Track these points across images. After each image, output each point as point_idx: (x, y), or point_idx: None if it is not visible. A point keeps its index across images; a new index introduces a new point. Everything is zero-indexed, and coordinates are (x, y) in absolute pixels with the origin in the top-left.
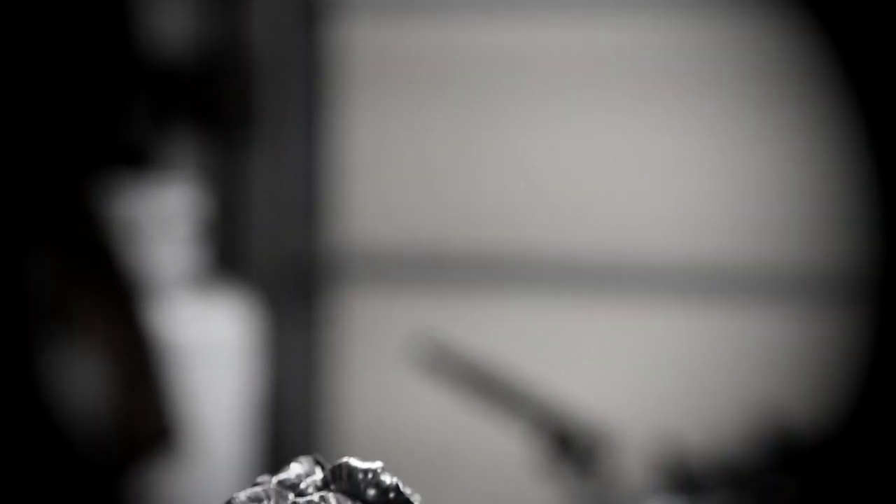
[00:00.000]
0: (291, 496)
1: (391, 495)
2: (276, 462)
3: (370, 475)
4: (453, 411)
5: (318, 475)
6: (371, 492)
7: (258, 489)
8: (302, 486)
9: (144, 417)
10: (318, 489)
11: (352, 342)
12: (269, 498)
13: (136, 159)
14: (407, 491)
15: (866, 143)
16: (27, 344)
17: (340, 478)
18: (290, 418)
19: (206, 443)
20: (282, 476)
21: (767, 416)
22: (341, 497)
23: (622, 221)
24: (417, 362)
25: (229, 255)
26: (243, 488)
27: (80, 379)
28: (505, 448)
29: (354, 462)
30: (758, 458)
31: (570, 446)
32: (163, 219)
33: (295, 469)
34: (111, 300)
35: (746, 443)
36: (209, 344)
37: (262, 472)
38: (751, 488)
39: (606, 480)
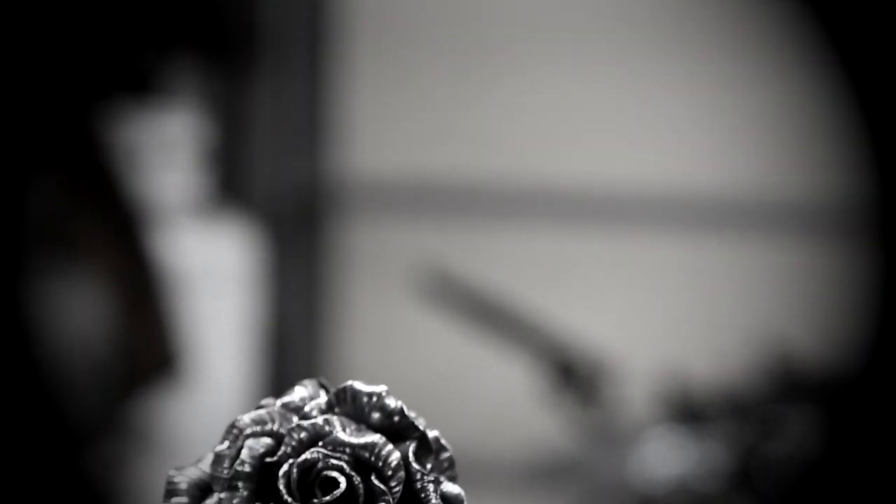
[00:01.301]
0: (295, 419)
1: (396, 419)
2: (279, 388)
3: (375, 398)
4: (457, 340)
5: (323, 398)
6: (375, 415)
7: (262, 412)
8: (306, 408)
9: (147, 343)
10: (323, 412)
11: (355, 271)
12: (273, 420)
13: (141, 86)
14: (412, 414)
15: (861, 81)
16: (26, 267)
17: (345, 401)
18: (293, 346)
19: (209, 368)
20: (286, 399)
21: (771, 346)
22: (345, 420)
23: (627, 154)
24: (421, 291)
25: (232, 182)
26: (247, 412)
27: (81, 304)
28: (508, 377)
29: (359, 385)
30: (761, 389)
31: (573, 375)
32: (166, 146)
33: (299, 392)
34: (113, 226)
35: (749, 373)
36: (212, 271)
37: (265, 396)
38: (753, 418)
39: (609, 410)
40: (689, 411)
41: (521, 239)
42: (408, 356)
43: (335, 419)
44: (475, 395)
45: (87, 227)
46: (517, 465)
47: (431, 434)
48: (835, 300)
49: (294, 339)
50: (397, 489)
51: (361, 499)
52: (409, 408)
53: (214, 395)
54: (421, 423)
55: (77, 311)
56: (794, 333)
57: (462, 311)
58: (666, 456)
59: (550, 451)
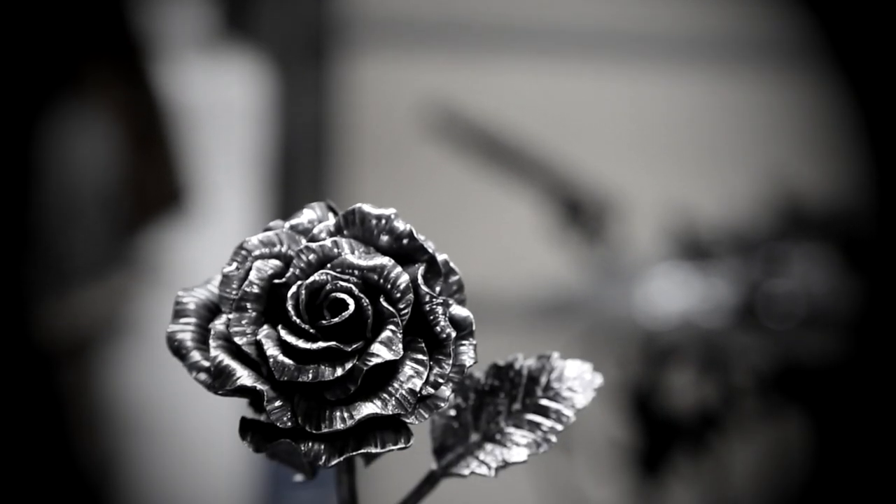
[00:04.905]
0: (303, 241)
1: (404, 241)
2: (286, 216)
3: (383, 221)
4: (464, 177)
5: (331, 221)
6: (384, 238)
7: (270, 234)
8: (314, 231)
9: (154, 177)
10: (331, 234)
11: (362, 106)
12: (281, 242)
13: None
14: (420, 237)
15: None
16: (35, 104)
17: (353, 223)
18: (300, 181)
19: (216, 203)
20: (294, 221)
21: (776, 183)
22: (354, 242)
23: None
24: (428, 127)
25: (240, 16)
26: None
27: (89, 139)
28: (515, 214)
29: (367, 208)
30: (766, 226)
31: (580, 213)
32: None
33: (307, 215)
34: (121, 61)
35: (755, 210)
36: (219, 105)
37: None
38: (759, 255)
39: (615, 246)
40: (694, 248)
41: (529, 76)
42: (414, 192)
43: (343, 241)
44: (482, 232)
45: (94, 62)
46: (523, 300)
47: (440, 257)
48: (843, 139)
49: (301, 175)
50: (406, 311)
51: (370, 321)
52: (417, 231)
53: (221, 229)
54: (430, 246)
55: (85, 147)
56: (800, 171)
57: (470, 147)
58: (671, 292)
59: (557, 287)
